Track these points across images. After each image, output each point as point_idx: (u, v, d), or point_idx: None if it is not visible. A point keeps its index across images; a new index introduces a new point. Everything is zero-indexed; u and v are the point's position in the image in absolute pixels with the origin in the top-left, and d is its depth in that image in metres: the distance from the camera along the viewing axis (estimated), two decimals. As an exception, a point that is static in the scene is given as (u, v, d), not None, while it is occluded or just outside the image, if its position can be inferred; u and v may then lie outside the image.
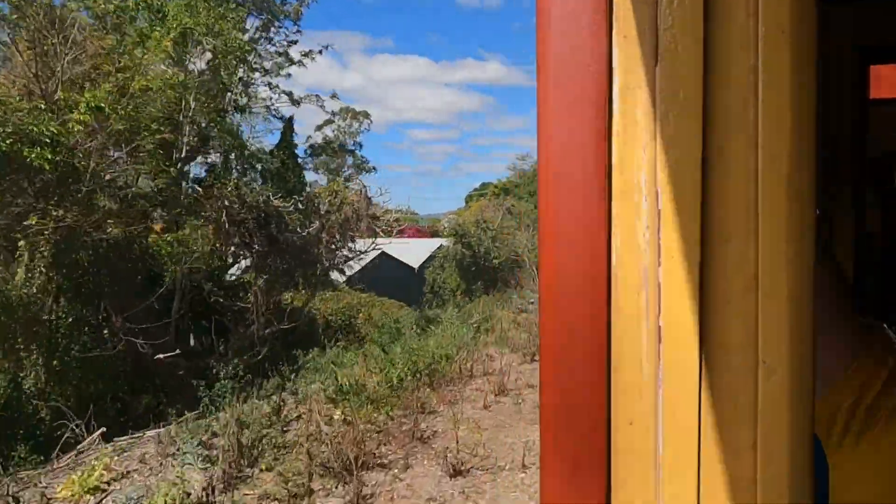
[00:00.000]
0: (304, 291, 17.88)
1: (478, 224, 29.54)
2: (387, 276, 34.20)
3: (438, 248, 31.23)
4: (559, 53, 0.65)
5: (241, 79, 22.17)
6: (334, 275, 20.34)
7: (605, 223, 0.63)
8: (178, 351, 13.07)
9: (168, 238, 12.75)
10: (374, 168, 70.97)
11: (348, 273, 20.36)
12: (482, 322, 16.52)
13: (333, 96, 28.25)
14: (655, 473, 0.62)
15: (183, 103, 13.03)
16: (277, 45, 23.45)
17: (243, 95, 23.61)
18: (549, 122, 0.65)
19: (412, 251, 31.40)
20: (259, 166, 23.58)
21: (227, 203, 14.71)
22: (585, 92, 0.64)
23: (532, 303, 19.46)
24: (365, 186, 17.71)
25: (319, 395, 9.65)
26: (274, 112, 25.67)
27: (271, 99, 25.14)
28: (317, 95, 26.65)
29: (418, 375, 10.45)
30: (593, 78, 0.63)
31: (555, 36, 0.65)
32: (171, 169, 13.36)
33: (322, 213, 16.35)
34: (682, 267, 0.60)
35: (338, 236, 16.38)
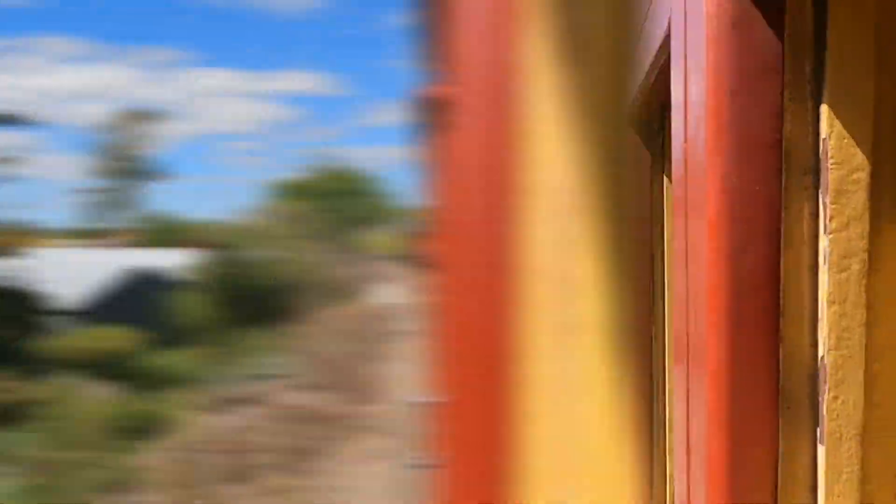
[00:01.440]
0: None
1: (244, 231, 21.76)
2: (133, 298, 24.84)
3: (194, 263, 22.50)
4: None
5: None
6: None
7: (777, 200, 0.63)
8: None
9: None
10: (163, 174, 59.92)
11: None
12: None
13: None
14: (813, 447, 0.62)
15: None
16: None
17: None
18: (723, 95, 0.64)
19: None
20: None
21: None
22: (758, 65, 0.63)
23: (283, 377, 8.92)
24: None
25: None
26: None
27: None
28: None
29: None
30: (764, 52, 0.63)
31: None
32: None
33: None
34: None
35: None
